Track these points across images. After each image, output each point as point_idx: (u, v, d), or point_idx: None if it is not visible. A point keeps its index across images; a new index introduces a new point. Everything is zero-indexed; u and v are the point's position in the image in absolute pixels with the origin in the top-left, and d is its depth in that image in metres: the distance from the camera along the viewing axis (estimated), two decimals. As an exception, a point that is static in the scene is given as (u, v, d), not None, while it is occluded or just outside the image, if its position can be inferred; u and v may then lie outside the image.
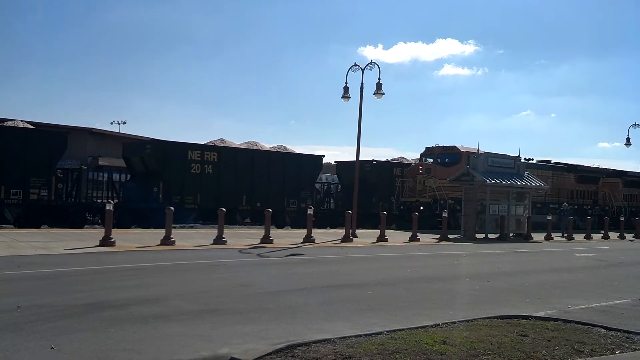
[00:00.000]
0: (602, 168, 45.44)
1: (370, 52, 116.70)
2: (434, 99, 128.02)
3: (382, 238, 22.59)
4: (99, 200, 26.29)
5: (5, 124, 25.66)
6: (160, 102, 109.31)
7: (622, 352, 6.60)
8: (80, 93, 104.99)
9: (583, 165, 43.38)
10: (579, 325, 7.88)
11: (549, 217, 29.84)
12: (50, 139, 23.68)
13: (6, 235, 17.74)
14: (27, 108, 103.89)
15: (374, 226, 28.46)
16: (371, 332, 7.00)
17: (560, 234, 30.64)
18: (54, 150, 23.42)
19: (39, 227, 22.34)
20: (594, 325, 7.88)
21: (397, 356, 5.96)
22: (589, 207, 41.57)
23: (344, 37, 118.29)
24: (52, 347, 6.05)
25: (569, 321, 8.10)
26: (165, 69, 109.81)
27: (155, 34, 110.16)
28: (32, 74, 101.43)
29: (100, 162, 31.27)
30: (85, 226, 24.62)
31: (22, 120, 27.40)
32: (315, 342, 6.43)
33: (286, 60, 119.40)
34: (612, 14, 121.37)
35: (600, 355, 6.44)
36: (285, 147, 33.83)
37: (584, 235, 30.51)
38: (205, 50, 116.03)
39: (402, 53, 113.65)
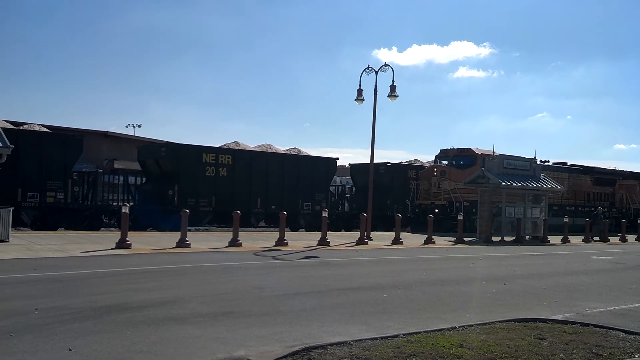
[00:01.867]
0: (618, 170, 45.07)
1: (384, 55, 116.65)
2: (449, 102, 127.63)
3: (397, 241, 22.52)
4: (114, 203, 26.46)
5: (21, 128, 25.90)
6: (175, 105, 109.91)
7: (642, 356, 6.53)
8: (95, 96, 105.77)
9: (599, 167, 43.08)
10: (597, 329, 7.80)
11: (566, 220, 29.61)
12: (66, 143, 23.87)
13: (23, 238, 17.90)
14: (42, 112, 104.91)
15: (388, 229, 28.41)
16: (387, 334, 6.97)
17: (583, 238, 30.22)
18: (70, 154, 23.62)
19: (56, 230, 22.53)
20: (612, 329, 7.80)
21: (414, 359, 5.93)
22: (606, 209, 41.21)
23: (358, 39, 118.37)
24: (69, 349, 6.08)
25: (587, 324, 8.02)
26: (179, 72, 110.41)
27: (170, 37, 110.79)
28: (48, 77, 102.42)
29: (116, 165, 31.45)
30: (102, 229, 24.79)
31: (38, 124, 27.67)
32: (331, 344, 6.40)
33: (300, 63, 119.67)
34: (627, 16, 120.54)
35: (619, 359, 6.37)
36: (299, 150, 33.86)
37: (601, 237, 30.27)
38: (219, 53, 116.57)
39: (416, 55, 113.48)
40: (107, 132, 40.43)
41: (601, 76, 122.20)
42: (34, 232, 21.66)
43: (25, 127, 26.54)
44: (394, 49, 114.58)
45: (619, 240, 30.59)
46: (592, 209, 39.54)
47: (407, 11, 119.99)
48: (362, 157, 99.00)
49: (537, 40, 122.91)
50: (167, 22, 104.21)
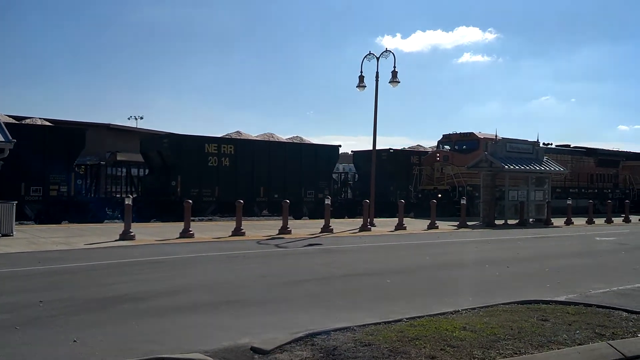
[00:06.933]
0: (622, 151, 44.89)
1: (388, 42, 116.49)
2: (453, 87, 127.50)
3: (400, 226, 22.53)
4: (118, 195, 26.51)
5: (23, 122, 25.92)
6: (177, 96, 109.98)
7: (645, 335, 6.55)
8: (97, 90, 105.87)
9: (603, 149, 42.90)
10: (600, 309, 7.83)
11: (569, 202, 29.57)
12: (69, 136, 23.89)
13: (27, 232, 17.95)
14: (44, 106, 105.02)
15: (391, 215, 28.38)
16: (390, 319, 7.00)
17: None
18: (73, 147, 23.64)
19: (60, 223, 22.56)
20: (615, 309, 7.82)
21: (417, 343, 5.96)
22: (609, 190, 41.14)
23: (362, 27, 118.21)
24: (74, 340, 6.12)
25: (590, 305, 8.05)
26: (182, 64, 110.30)
27: (172, 29, 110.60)
28: (50, 72, 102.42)
29: (119, 158, 31.46)
30: (105, 221, 24.82)
31: (40, 118, 27.68)
32: (335, 330, 6.44)
33: (304, 52, 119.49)
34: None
35: (622, 338, 6.39)
36: (301, 138, 33.80)
37: (605, 219, 30.22)
38: (222, 44, 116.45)
39: (421, 42, 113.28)
40: (109, 124, 40.45)
41: (606, 58, 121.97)
42: (37, 225, 21.69)
43: (28, 121, 26.55)
44: (398, 35, 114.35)
45: (623, 221, 30.55)
46: (595, 190, 39.56)
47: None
48: (365, 144, 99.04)
49: (543, 24, 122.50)
50: (169, 14, 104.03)
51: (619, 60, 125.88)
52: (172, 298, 8.51)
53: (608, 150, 43.57)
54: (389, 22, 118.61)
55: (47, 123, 26.60)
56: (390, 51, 24.01)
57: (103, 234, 17.54)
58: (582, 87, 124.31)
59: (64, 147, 23.23)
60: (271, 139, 31.62)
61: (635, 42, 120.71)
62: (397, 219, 23.32)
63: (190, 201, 18.22)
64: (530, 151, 28.86)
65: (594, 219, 29.21)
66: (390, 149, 34.81)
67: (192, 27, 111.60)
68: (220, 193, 26.61)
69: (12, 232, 16.80)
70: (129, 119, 67.58)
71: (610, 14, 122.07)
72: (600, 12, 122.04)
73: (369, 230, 21.62)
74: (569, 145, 41.26)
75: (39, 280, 10.03)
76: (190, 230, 17.49)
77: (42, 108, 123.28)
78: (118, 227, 18.48)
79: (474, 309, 7.75)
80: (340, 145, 32.30)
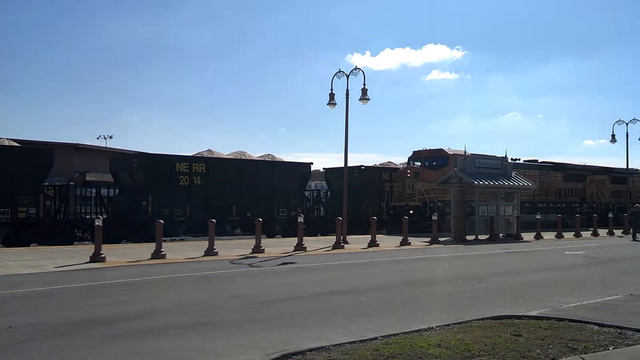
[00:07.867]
0: (588, 165, 45.69)
1: (358, 60, 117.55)
2: (422, 104, 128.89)
3: (373, 243, 22.59)
4: (87, 216, 26.14)
5: (-10, 143, 25.47)
6: (147, 115, 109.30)
7: (616, 348, 6.65)
8: (65, 109, 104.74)
9: (570, 164, 43.64)
10: (572, 323, 7.93)
11: (538, 216, 29.97)
12: (36, 157, 23.52)
13: (-5, 255, 17.60)
14: (10, 125, 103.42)
15: (364, 232, 28.47)
16: (365, 337, 7.01)
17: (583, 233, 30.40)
18: (41, 168, 23.27)
19: (28, 246, 22.19)
20: (587, 323, 7.93)
21: (393, 361, 5.97)
22: (577, 204, 41.81)
23: (332, 45, 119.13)
24: (45, 366, 6.01)
25: (562, 319, 8.14)
26: (152, 82, 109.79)
27: (142, 48, 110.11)
28: (17, 91, 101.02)
29: (88, 178, 31.10)
30: (75, 243, 24.45)
31: (7, 139, 27.23)
32: (310, 350, 6.42)
33: (274, 70, 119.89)
34: (597, 13, 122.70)
35: (594, 352, 6.48)
36: (273, 156, 33.79)
37: (574, 232, 30.66)
38: (193, 62, 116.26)
39: (390, 59, 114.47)
40: (77, 144, 39.97)
41: (571, 74, 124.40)
42: (5, 248, 21.30)
43: (-6, 141, 26.11)
44: (367, 53, 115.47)
45: (591, 234, 31.02)
46: (563, 205, 40.14)
47: (380, 16, 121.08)
48: (336, 161, 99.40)
49: (509, 40, 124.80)
50: (137, 32, 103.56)
51: (584, 75, 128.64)
52: (145, 320, 8.40)
53: (575, 165, 44.34)
54: (358, 40, 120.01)
55: (14, 143, 26.19)
56: (360, 69, 24.31)
57: (73, 256, 17.28)
58: (549, 102, 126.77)
59: (31, 168, 22.85)
60: (243, 157, 31.56)
61: (600, 57, 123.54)
62: (369, 235, 23.40)
63: (162, 221, 18.06)
64: (498, 167, 29.23)
65: (563, 233, 29.63)
66: (361, 165, 35.00)
67: (160, 44, 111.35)
68: (192, 213, 26.42)
69: (-22, 256, 16.46)
70: (98, 138, 67.10)
71: (574, 30, 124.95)
72: (565, 28, 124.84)
73: (342, 247, 21.63)
74: (537, 160, 41.93)
75: (8, 305, 9.82)
76: (162, 251, 17.32)
77: (7, 127, 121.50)
78: (88, 249, 18.23)
79: (448, 325, 7.80)
80: (312, 163, 32.34)
